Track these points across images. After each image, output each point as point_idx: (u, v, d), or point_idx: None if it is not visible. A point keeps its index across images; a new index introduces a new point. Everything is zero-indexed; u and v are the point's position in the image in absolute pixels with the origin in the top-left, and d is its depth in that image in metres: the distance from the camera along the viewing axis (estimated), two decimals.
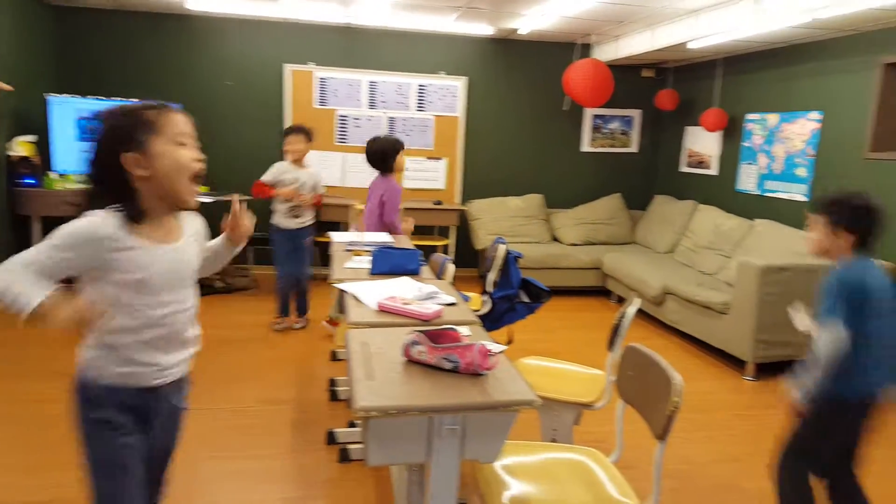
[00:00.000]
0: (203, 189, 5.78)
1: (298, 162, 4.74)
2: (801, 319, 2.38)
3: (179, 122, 1.61)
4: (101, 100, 5.52)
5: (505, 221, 6.53)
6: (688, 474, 2.97)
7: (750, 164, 5.59)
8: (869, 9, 3.72)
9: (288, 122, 6.42)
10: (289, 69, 6.34)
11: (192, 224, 1.77)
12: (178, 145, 1.58)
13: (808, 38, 4.84)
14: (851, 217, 2.20)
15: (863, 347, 2.11)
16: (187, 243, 1.70)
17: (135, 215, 1.54)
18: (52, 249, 1.47)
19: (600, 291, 6.32)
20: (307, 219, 4.85)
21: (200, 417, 3.33)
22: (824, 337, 2.11)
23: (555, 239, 6.69)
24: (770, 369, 4.24)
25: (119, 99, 5.57)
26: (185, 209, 1.66)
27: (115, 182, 1.53)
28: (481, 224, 6.53)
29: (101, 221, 1.49)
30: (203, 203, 4.67)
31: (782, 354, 4.14)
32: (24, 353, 4.07)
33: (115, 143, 1.52)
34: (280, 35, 6.28)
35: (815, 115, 4.84)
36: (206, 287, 5.82)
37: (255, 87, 6.34)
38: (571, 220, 6.68)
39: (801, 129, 4.98)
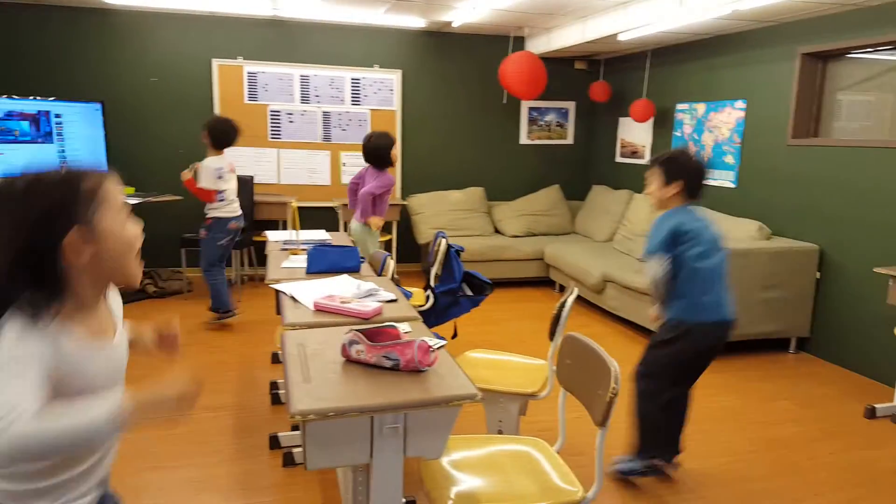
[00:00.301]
0: (129, 191, 5.54)
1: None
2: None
3: (119, 190, 1.29)
4: (16, 99, 5.21)
5: (446, 215, 6.52)
6: None
7: None
8: (786, 0, 3.86)
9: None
10: (216, 64, 6.14)
11: (117, 303, 1.46)
12: (123, 219, 1.29)
13: (731, 30, 5.01)
14: (679, 170, 2.61)
15: (694, 279, 2.57)
16: (121, 334, 1.44)
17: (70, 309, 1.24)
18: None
19: (543, 282, 6.39)
20: (209, 212, 4.68)
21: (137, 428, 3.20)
22: (650, 269, 2.61)
23: (497, 231, 6.73)
24: None
25: (36, 98, 5.29)
26: (129, 288, 1.37)
27: (45, 273, 1.20)
28: (423, 218, 6.50)
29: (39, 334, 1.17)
30: (132, 205, 4.48)
31: None
32: None
33: (48, 224, 1.18)
34: (206, 29, 6.07)
35: (740, 103, 5.02)
36: (139, 292, 5.60)
37: (182, 83, 6.12)
38: (512, 212, 6.74)
39: (728, 118, 5.15)
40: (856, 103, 4.32)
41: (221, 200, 4.58)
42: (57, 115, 5.39)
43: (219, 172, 4.52)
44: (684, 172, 2.61)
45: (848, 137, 4.32)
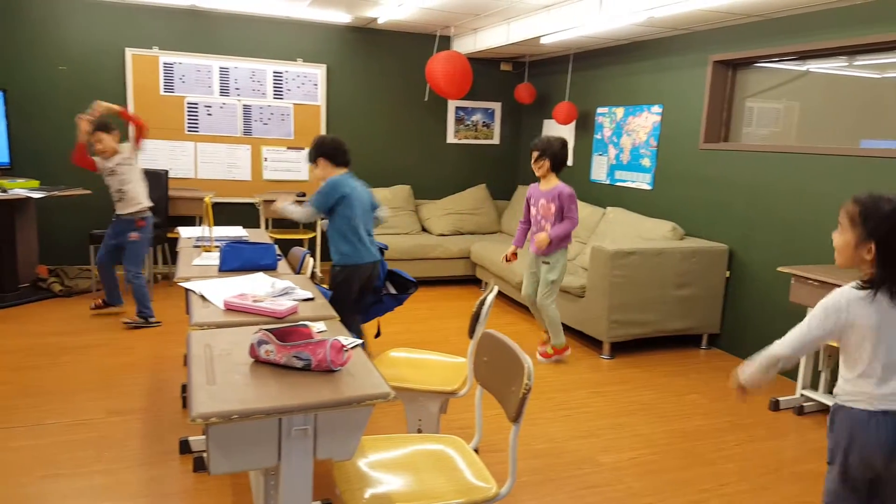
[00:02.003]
0: (33, 184, 5.20)
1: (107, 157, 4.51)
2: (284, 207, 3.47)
3: None
4: None
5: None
6: (550, 452, 3.08)
7: (601, 155, 5.91)
8: (698, 9, 4.02)
9: (130, 110, 5.93)
10: (130, 53, 5.84)
11: None
12: None
13: (649, 36, 5.18)
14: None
15: (351, 230, 3.39)
16: None
17: None
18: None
19: (470, 280, 6.43)
20: (131, 207, 4.54)
21: (34, 434, 3.02)
22: (299, 212, 3.44)
23: (424, 230, 6.72)
24: (624, 347, 4.53)
25: None
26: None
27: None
28: None
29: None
30: (35, 199, 4.21)
31: (634, 333, 4.42)
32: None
33: None
34: (120, 17, 5.78)
35: (657, 108, 5.20)
36: (44, 291, 5.27)
37: (93, 73, 5.79)
38: (439, 210, 6.74)
39: (645, 122, 5.33)
40: (765, 110, 4.55)
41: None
42: None
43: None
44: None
45: (757, 143, 4.54)
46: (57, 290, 5.30)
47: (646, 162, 5.33)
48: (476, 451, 2.11)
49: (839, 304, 1.86)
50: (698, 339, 4.75)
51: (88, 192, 5.53)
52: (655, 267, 4.34)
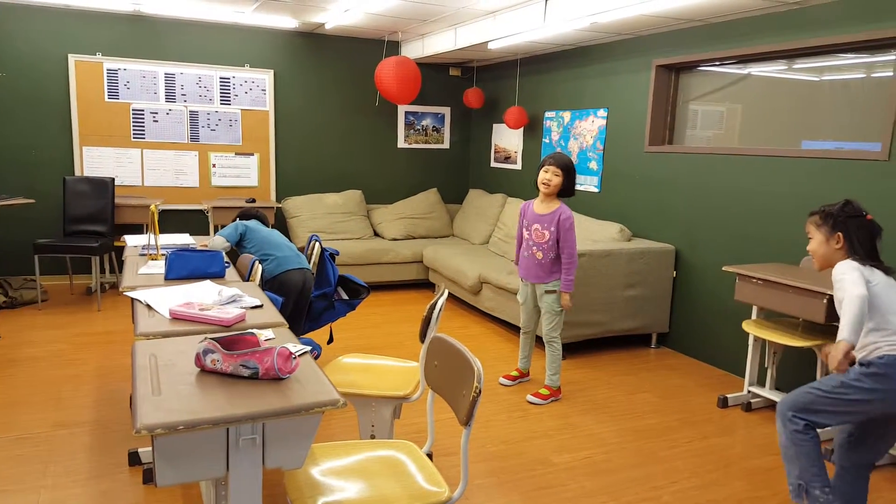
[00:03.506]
0: None
1: None
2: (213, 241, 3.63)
3: None
4: None
5: (324, 218, 6.41)
6: (505, 454, 3.10)
7: None
8: (640, 15, 4.14)
9: (74, 117, 5.76)
10: (73, 60, 5.67)
11: None
12: None
13: (594, 41, 5.30)
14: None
15: (263, 250, 3.65)
16: None
17: None
18: None
19: (423, 284, 6.44)
20: None
21: None
22: (215, 241, 3.56)
23: (376, 234, 6.70)
24: (575, 349, 4.60)
25: None
26: None
27: None
28: (299, 221, 6.35)
29: None
30: None
31: (585, 334, 4.49)
32: None
33: None
34: (62, 23, 5.61)
35: (603, 112, 5.31)
36: None
37: (35, 80, 5.62)
38: (391, 215, 6.73)
39: (591, 126, 5.44)
40: (708, 113, 4.70)
41: None
42: None
43: None
44: None
45: (700, 145, 4.69)
46: (0, 301, 5.09)
47: (593, 165, 5.45)
48: (430, 455, 2.12)
49: (852, 265, 2.32)
50: (648, 339, 4.87)
51: (32, 201, 5.36)
52: (604, 268, 4.43)
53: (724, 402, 3.78)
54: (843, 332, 2.20)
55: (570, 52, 5.69)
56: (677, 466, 3.05)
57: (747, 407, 3.75)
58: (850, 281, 2.26)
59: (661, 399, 3.87)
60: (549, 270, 3.66)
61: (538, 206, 3.68)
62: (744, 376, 3.90)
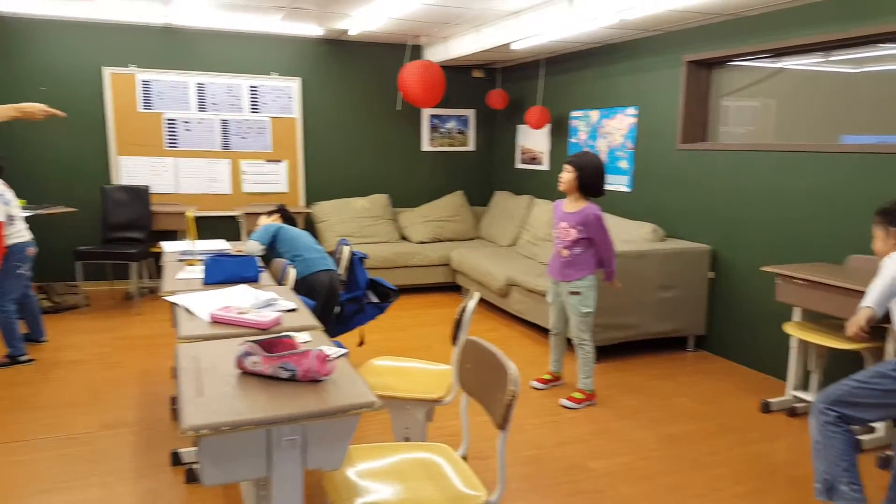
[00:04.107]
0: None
1: None
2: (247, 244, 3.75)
3: None
4: None
5: (352, 222, 6.46)
6: (539, 459, 3.08)
7: None
8: (670, 10, 4.09)
9: (111, 129, 5.91)
10: (108, 72, 5.82)
11: None
12: None
13: (621, 38, 5.26)
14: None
15: (292, 252, 3.74)
16: None
17: None
18: None
19: (451, 287, 6.45)
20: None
21: (26, 449, 3.01)
22: (249, 246, 3.67)
23: (403, 238, 6.73)
24: (608, 352, 4.51)
25: None
26: None
27: None
28: (328, 226, 6.41)
29: None
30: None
31: (618, 337, 4.43)
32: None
33: None
34: (97, 37, 5.78)
35: (632, 110, 5.27)
36: None
37: (73, 92, 5.79)
38: (418, 218, 6.76)
39: (620, 124, 5.40)
40: (741, 109, 4.62)
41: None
42: None
43: (4, 199, 4.00)
44: None
45: (734, 142, 4.62)
46: (45, 306, 5.24)
47: (623, 164, 5.40)
48: (464, 458, 2.12)
49: None
50: (684, 342, 4.76)
51: (74, 209, 5.52)
52: (638, 269, 4.38)
53: (766, 407, 3.65)
54: (868, 298, 2.17)
55: (597, 51, 5.65)
56: (720, 473, 2.97)
57: (791, 412, 3.62)
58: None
59: (699, 404, 3.78)
60: (574, 268, 3.62)
61: (566, 204, 3.66)
62: (786, 380, 3.77)
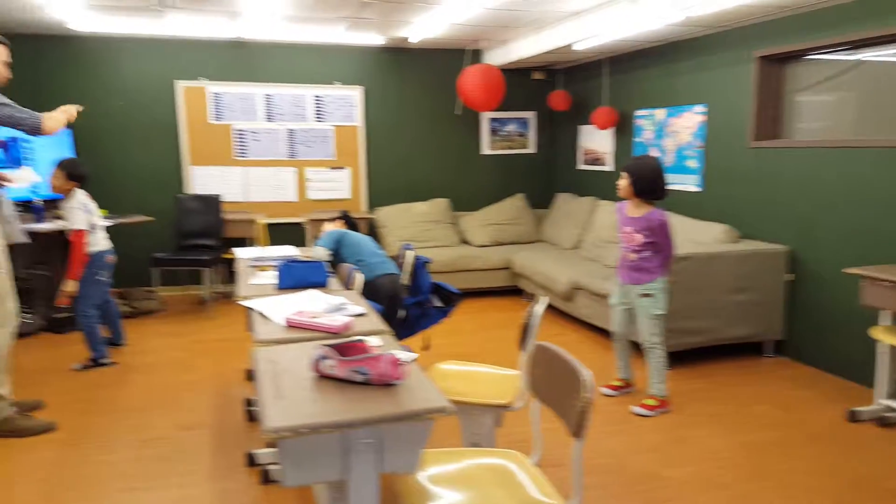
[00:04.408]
0: (103, 212, 5.46)
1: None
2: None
3: None
4: None
5: (413, 227, 6.51)
6: (611, 467, 3.01)
7: None
8: (738, 5, 3.95)
9: (183, 140, 6.15)
10: (180, 86, 6.07)
11: None
12: None
13: (687, 35, 5.11)
14: None
15: (356, 256, 3.83)
16: None
17: None
18: None
19: (512, 291, 6.41)
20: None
21: (112, 448, 3.16)
22: (317, 252, 3.76)
23: (464, 241, 6.74)
24: (680, 357, 4.35)
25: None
26: None
27: None
28: (389, 231, 6.48)
29: None
30: (107, 227, 4.42)
31: (690, 342, 4.28)
32: None
33: None
34: (169, 52, 6.03)
35: (700, 108, 5.11)
36: None
37: (148, 106, 6.07)
38: (478, 222, 6.75)
39: (688, 123, 5.25)
40: (817, 104, 4.42)
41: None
42: (26, 141, 5.27)
43: (87, 207, 4.20)
44: None
45: (810, 138, 4.41)
46: (124, 311, 5.48)
47: (692, 163, 5.25)
48: (536, 465, 2.09)
49: None
50: (760, 347, 4.56)
51: (151, 218, 5.78)
52: (710, 272, 4.23)
53: (853, 417, 3.45)
54: None
55: (661, 48, 5.51)
56: (800, 483, 2.84)
57: (882, 422, 3.41)
58: None
59: (780, 411, 3.61)
60: (644, 272, 3.57)
61: (630, 208, 3.62)
62: (874, 388, 3.55)
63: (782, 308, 4.45)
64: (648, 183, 3.49)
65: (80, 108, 3.56)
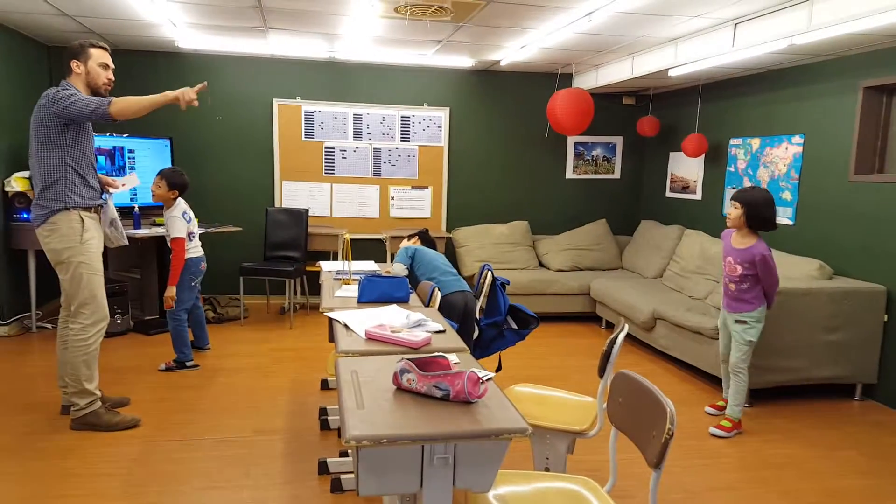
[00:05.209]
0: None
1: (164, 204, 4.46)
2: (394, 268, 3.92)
3: None
4: (95, 135, 5.50)
5: (491, 248, 6.53)
6: (685, 503, 2.92)
7: (735, 187, 5.64)
8: (846, 34, 3.79)
9: (277, 156, 6.45)
10: (277, 103, 6.38)
11: None
12: None
13: (788, 64, 4.94)
14: None
15: (428, 273, 3.85)
16: None
17: None
18: None
19: (589, 317, 6.30)
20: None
21: (194, 447, 3.29)
22: (396, 268, 3.83)
23: (541, 265, 6.69)
24: (765, 395, 4.22)
25: (112, 135, 5.59)
26: None
27: None
28: (468, 251, 6.53)
29: None
30: (200, 234, 4.67)
31: (776, 380, 4.11)
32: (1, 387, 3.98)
33: None
34: (268, 71, 6.34)
35: (798, 138, 4.91)
36: None
37: (245, 122, 6.39)
38: (557, 246, 6.70)
39: (785, 153, 5.05)
40: None
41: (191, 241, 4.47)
42: (130, 151, 5.72)
43: (187, 216, 4.43)
44: None
45: None
46: (210, 317, 5.77)
47: (786, 195, 5.03)
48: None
49: None
50: (851, 390, 4.34)
51: (240, 228, 6.07)
52: (801, 309, 4.04)
53: None
54: None
55: (760, 76, 5.34)
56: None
57: None
58: None
59: (868, 459, 3.41)
60: (742, 302, 3.64)
61: (735, 239, 3.68)
62: None
63: (878, 350, 4.19)
64: (761, 213, 3.54)
65: (203, 85, 3.52)
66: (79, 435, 3.38)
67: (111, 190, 3.68)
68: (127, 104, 3.20)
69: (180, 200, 4.43)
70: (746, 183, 5.46)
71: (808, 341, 4.09)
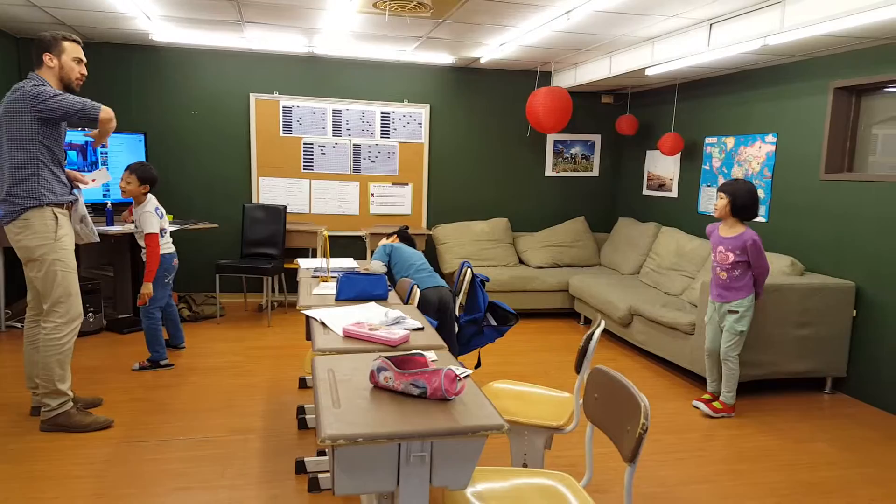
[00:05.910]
0: (168, 217, 5.72)
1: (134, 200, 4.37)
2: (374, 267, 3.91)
3: None
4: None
5: (471, 245, 6.55)
6: (661, 497, 2.95)
7: (710, 186, 5.72)
8: (818, 35, 3.86)
9: (254, 151, 6.39)
10: (254, 98, 6.32)
11: None
12: None
13: (762, 64, 5.01)
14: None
15: (404, 271, 3.89)
16: None
17: None
18: None
19: (568, 314, 6.35)
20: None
21: (166, 447, 3.25)
22: (374, 265, 3.85)
23: (521, 262, 6.73)
24: (739, 390, 4.22)
25: (84, 130, 5.49)
26: None
27: None
28: (448, 248, 6.53)
29: None
30: (176, 231, 4.58)
31: (750, 374, 4.17)
32: None
33: None
34: (245, 65, 6.28)
35: (771, 137, 4.99)
36: None
37: (221, 117, 6.31)
38: (537, 243, 6.73)
39: (758, 152, 5.12)
40: (893, 137, 4.26)
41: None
42: (102, 146, 5.59)
43: (159, 212, 4.37)
44: None
45: (885, 172, 4.25)
46: (185, 315, 5.71)
47: (760, 193, 5.10)
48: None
49: None
50: (821, 383, 4.44)
51: (216, 225, 6.00)
52: (773, 304, 4.12)
53: None
54: None
55: (735, 76, 5.42)
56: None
57: None
58: None
59: (839, 450, 3.50)
60: (732, 290, 3.82)
61: (723, 229, 3.88)
62: None
63: (847, 345, 4.29)
64: (745, 203, 3.78)
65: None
66: (49, 436, 3.32)
67: (81, 186, 3.60)
68: (111, 117, 3.29)
69: (151, 196, 4.36)
70: (721, 181, 5.53)
71: (778, 336, 4.18)
